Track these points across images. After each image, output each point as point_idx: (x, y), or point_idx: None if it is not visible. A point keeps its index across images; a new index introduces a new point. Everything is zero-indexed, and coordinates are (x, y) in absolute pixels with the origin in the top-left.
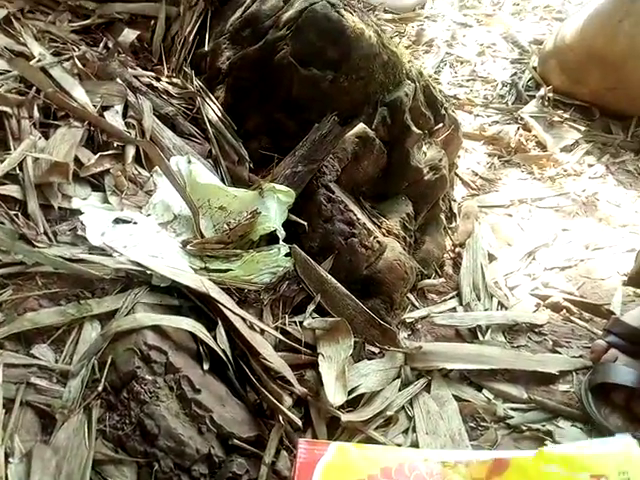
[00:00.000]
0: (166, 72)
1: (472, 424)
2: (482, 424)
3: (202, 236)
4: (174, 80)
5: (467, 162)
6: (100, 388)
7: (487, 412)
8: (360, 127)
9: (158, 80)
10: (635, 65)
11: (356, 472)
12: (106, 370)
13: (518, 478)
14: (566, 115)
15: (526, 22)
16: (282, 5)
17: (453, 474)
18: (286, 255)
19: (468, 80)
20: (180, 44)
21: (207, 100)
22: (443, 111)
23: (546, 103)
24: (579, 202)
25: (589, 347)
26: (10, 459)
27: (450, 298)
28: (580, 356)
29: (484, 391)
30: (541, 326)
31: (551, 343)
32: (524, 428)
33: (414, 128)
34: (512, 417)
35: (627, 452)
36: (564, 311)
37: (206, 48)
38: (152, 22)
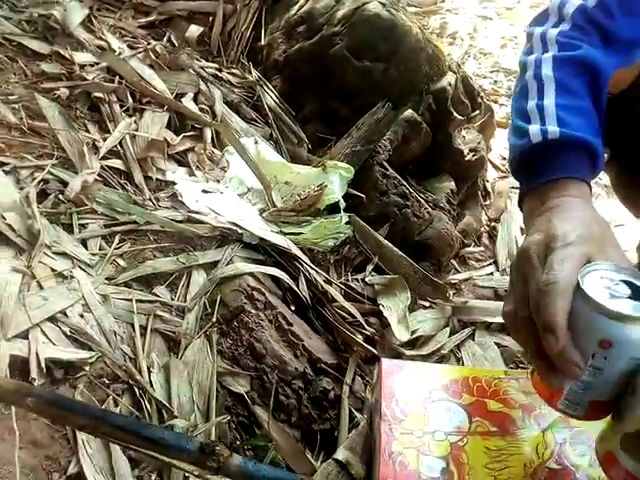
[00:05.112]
0: (225, 64)
1: (512, 366)
2: (521, 365)
3: (275, 206)
4: (233, 71)
5: (495, 148)
6: (214, 319)
7: (526, 357)
8: (409, 112)
9: (220, 71)
10: None
11: (429, 383)
12: (217, 306)
13: None
14: None
15: None
16: (334, 4)
17: (508, 387)
18: (346, 223)
19: (492, 71)
20: (237, 38)
21: (265, 89)
22: (479, 100)
23: None
24: None
25: None
26: (151, 369)
27: (488, 265)
28: None
29: None
30: None
31: None
32: None
33: (455, 114)
34: None
35: None
36: None
37: (262, 42)
38: (210, 18)
